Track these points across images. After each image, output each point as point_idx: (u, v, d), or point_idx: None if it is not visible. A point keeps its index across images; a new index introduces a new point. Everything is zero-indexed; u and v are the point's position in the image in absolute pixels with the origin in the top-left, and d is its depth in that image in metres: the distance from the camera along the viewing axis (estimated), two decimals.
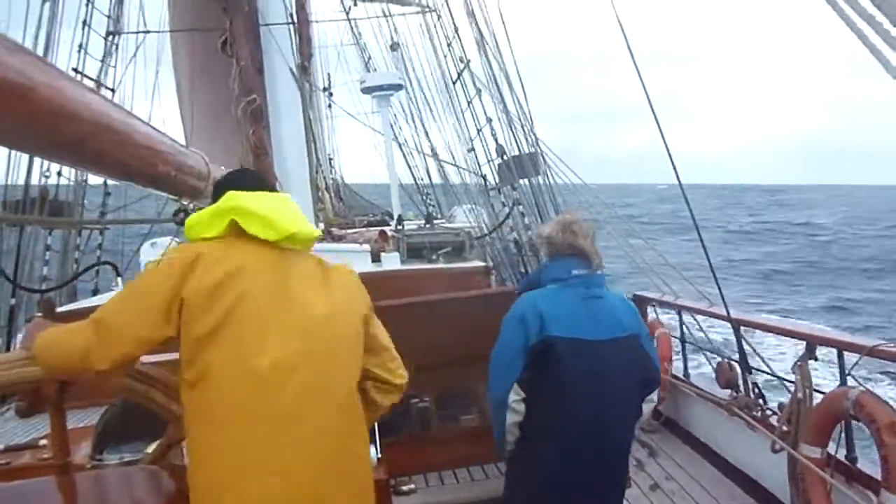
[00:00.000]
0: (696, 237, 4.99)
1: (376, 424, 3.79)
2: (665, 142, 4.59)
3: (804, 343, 4.12)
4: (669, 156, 4.59)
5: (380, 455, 3.58)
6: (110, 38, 10.08)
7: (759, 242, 48.54)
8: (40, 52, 7.97)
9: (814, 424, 3.73)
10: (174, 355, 2.13)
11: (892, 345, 3.61)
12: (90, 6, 9.67)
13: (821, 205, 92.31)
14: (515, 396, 2.86)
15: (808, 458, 3.67)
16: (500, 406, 2.90)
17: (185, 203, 3.45)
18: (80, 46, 9.47)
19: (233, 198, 2.02)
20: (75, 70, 9.24)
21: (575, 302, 2.91)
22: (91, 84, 9.14)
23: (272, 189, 2.25)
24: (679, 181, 4.71)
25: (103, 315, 1.88)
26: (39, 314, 6.49)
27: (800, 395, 3.94)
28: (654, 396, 5.39)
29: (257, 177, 2.31)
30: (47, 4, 8.38)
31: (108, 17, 10.13)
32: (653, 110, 4.55)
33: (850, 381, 3.81)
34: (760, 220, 66.61)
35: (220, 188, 2.15)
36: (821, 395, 3.86)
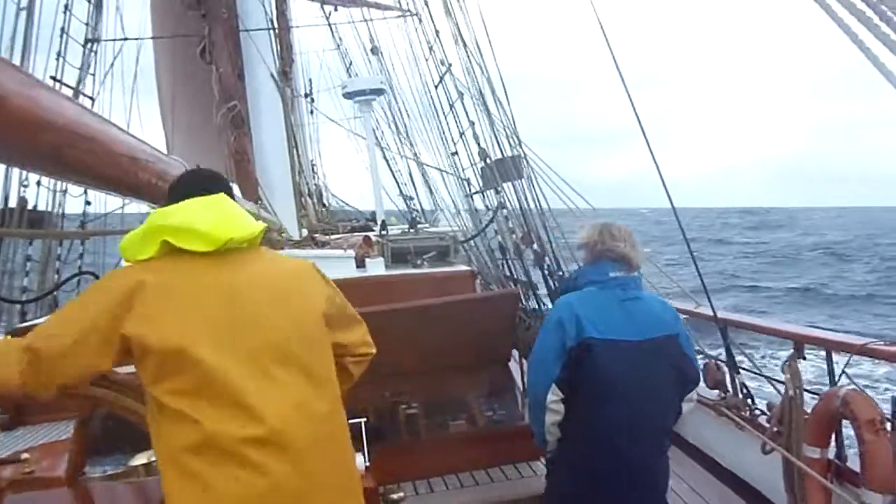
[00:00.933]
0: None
1: (364, 431, 3.77)
2: (656, 163, 4.54)
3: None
4: (661, 177, 4.58)
5: (368, 463, 3.55)
6: (88, 45, 9.99)
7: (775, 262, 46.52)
8: (17, 61, 7.88)
9: (813, 425, 3.72)
10: None
11: (881, 343, 3.61)
12: (68, 13, 9.58)
13: (829, 225, 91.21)
14: (554, 397, 2.91)
15: (810, 458, 3.67)
16: (538, 406, 2.96)
17: None
18: (58, 54, 9.37)
19: (160, 216, 1.95)
20: (53, 78, 9.15)
21: (612, 304, 2.96)
22: (69, 93, 9.05)
23: (222, 185, 2.15)
24: (670, 200, 4.70)
25: (37, 344, 1.76)
26: None
27: (791, 393, 3.93)
28: None
29: (205, 177, 2.21)
30: (23, 13, 8.27)
31: (87, 24, 10.04)
32: (643, 131, 4.51)
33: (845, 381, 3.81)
34: (762, 241, 65.20)
35: (170, 192, 2.10)
36: (812, 396, 3.86)
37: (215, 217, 1.95)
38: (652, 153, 4.54)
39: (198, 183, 2.10)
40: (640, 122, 4.52)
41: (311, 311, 2.08)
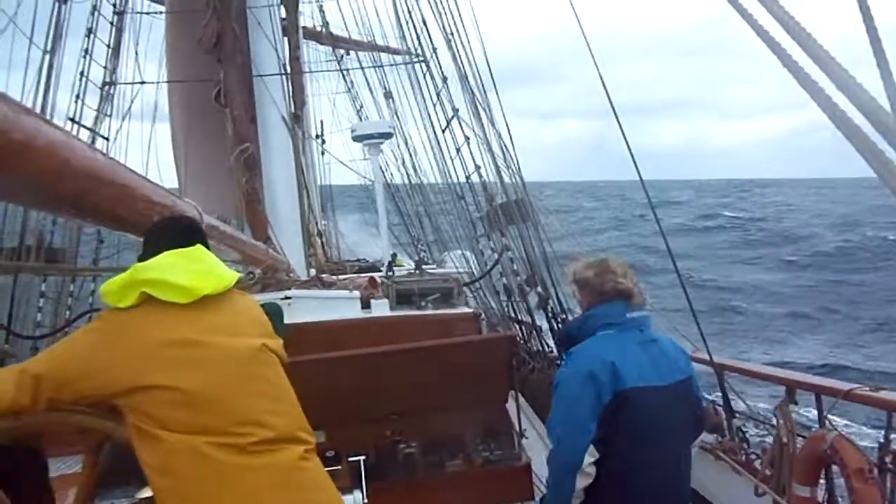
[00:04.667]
0: None
1: (363, 469, 3.86)
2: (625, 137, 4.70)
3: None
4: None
5: (366, 500, 3.64)
6: (106, 88, 10.26)
7: None
8: (39, 101, 8.13)
9: (801, 465, 3.80)
10: None
11: (866, 388, 3.72)
12: (88, 58, 9.86)
13: None
14: (590, 459, 2.64)
15: (800, 498, 3.74)
16: (571, 472, 2.67)
17: None
18: (77, 97, 9.64)
19: (141, 270, 2.03)
20: (71, 119, 9.41)
21: (634, 348, 2.76)
22: (86, 133, 9.29)
23: (198, 234, 2.26)
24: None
25: (39, 370, 1.90)
26: None
27: (784, 438, 4.01)
28: None
29: (183, 226, 2.29)
30: (47, 56, 8.55)
31: (105, 67, 10.32)
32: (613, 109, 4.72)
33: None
34: None
35: (149, 241, 2.19)
36: (801, 438, 3.94)
37: (196, 271, 2.06)
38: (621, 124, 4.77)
39: (177, 233, 2.19)
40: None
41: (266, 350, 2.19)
